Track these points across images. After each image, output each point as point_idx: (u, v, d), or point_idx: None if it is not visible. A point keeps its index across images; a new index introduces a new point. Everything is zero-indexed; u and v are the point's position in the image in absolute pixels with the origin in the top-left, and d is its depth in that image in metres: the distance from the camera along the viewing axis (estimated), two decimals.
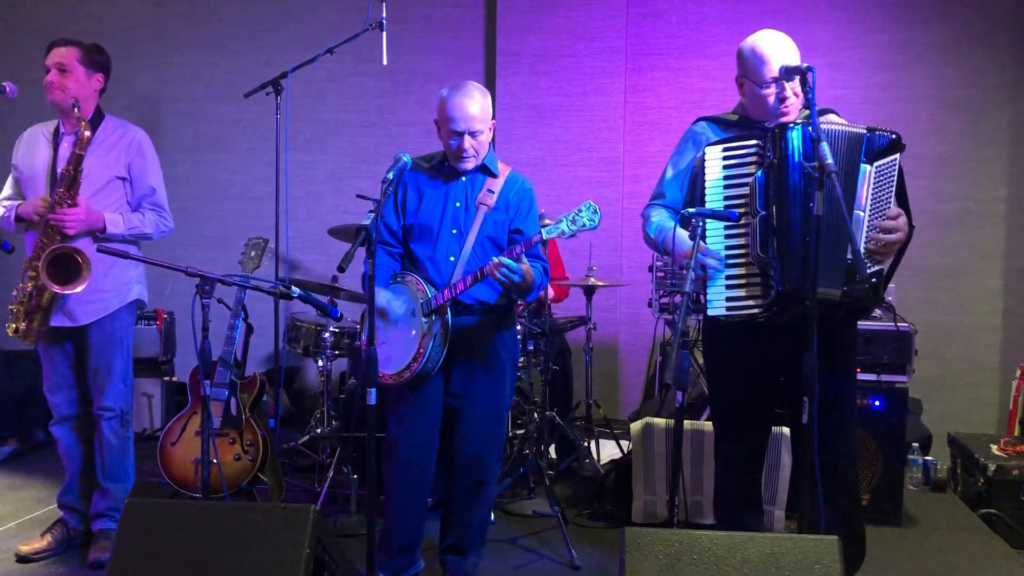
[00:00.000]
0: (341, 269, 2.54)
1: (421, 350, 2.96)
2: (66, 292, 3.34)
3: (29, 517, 4.04)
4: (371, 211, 2.69)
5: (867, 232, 2.71)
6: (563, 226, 2.85)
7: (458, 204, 3.11)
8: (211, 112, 6.09)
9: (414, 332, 3.01)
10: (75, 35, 3.66)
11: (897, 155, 2.76)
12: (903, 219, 2.76)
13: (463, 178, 3.13)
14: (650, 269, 4.46)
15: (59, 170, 3.44)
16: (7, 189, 3.65)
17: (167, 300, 5.64)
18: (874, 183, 2.71)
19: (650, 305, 4.48)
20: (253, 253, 4.12)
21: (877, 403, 4.02)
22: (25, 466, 4.80)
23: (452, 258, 3.07)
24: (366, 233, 2.62)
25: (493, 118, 3.11)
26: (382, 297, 3.03)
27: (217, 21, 6.09)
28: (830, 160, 2.49)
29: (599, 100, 5.71)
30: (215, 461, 3.74)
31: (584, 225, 2.84)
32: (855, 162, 2.71)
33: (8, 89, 3.18)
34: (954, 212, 5.39)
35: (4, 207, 3.55)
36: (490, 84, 5.84)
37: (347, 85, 6.01)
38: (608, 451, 4.83)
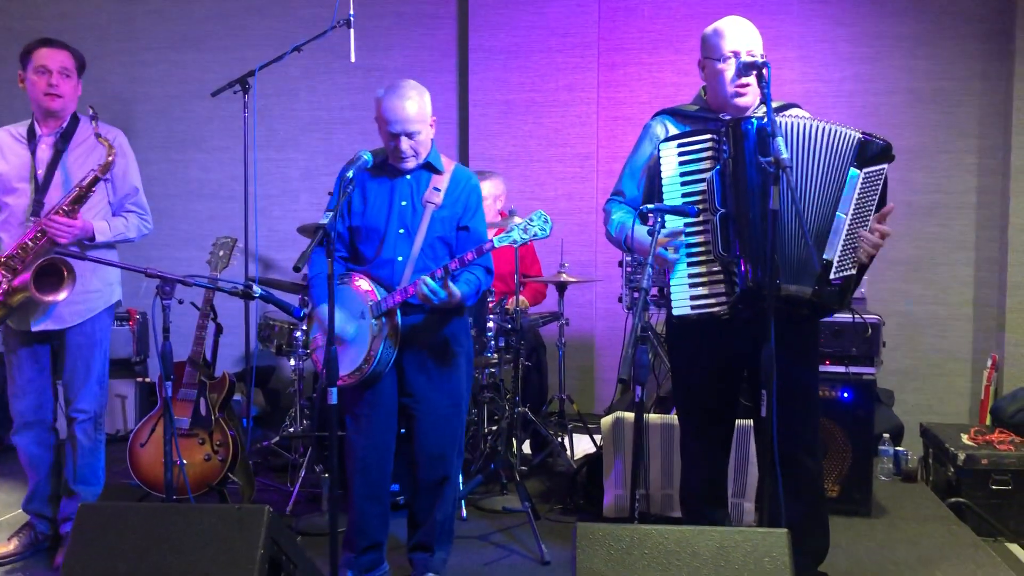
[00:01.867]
0: (297, 268, 2.53)
1: (372, 352, 2.96)
2: (47, 300, 3.33)
3: (1, 519, 4.01)
4: (329, 210, 2.69)
5: (847, 236, 2.71)
6: (515, 235, 2.88)
7: (404, 203, 3.08)
8: (183, 110, 6.06)
9: (364, 334, 3.00)
10: (46, 33, 3.62)
11: (886, 165, 2.77)
12: (888, 230, 2.77)
13: (408, 176, 3.11)
14: (620, 264, 4.47)
15: (40, 173, 3.42)
16: None
17: (141, 300, 5.61)
18: (860, 189, 2.71)
19: (620, 300, 4.49)
20: (221, 252, 4.11)
21: (846, 395, 4.03)
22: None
23: (400, 258, 3.05)
24: (324, 232, 2.61)
25: (433, 115, 3.09)
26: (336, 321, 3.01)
27: (189, 19, 6.06)
28: (785, 155, 2.50)
29: (572, 95, 5.72)
30: (179, 462, 3.73)
31: (536, 234, 2.88)
32: (845, 164, 2.71)
33: None
34: (926, 203, 5.42)
35: None
36: (463, 79, 5.85)
37: (320, 82, 5.99)
38: (583, 446, 4.84)
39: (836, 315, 4.05)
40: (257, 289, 2.89)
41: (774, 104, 2.91)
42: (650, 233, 2.67)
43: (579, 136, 5.72)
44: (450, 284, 2.90)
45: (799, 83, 5.46)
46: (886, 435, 4.67)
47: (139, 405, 5.29)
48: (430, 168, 3.13)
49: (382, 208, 3.08)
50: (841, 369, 4.10)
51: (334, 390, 2.66)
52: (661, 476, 3.90)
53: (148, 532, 2.15)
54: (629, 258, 4.39)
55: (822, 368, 4.03)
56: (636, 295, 4.44)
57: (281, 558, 2.23)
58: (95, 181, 3.37)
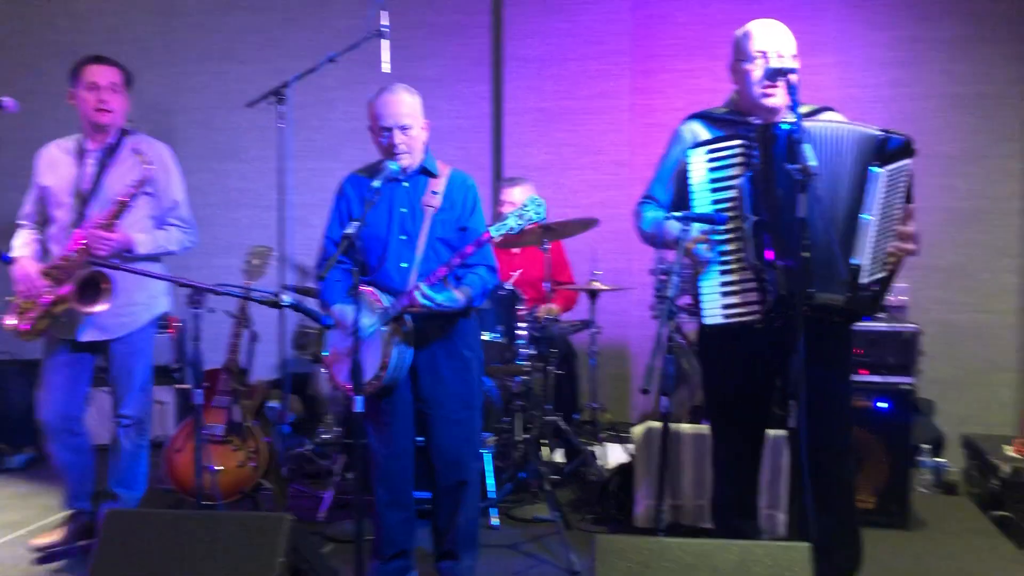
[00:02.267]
0: (321, 277, 2.56)
1: (386, 359, 2.98)
2: (87, 311, 3.43)
3: (40, 524, 4.08)
4: (354, 220, 2.71)
5: (873, 238, 2.66)
6: (510, 222, 2.90)
7: (403, 210, 3.11)
8: (224, 121, 6.14)
9: (376, 343, 3.02)
10: (92, 47, 3.73)
11: (909, 160, 2.70)
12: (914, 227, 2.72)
13: (405, 183, 3.14)
14: (652, 273, 4.43)
15: (85, 188, 3.53)
16: (27, 206, 3.71)
17: (181, 309, 5.68)
18: (885, 187, 2.65)
19: (651, 309, 4.46)
20: (256, 261, 4.18)
21: (883, 405, 3.97)
22: (39, 474, 4.86)
23: (405, 264, 3.07)
24: (349, 241, 2.64)
25: (426, 119, 3.14)
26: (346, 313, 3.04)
27: (228, 31, 6.16)
28: (813, 162, 2.47)
29: (606, 103, 5.71)
30: (210, 468, 3.80)
31: (531, 219, 2.89)
32: (865, 164, 2.65)
33: (7, 104, 3.23)
34: (968, 210, 5.31)
35: (25, 240, 3.64)
36: (497, 89, 5.87)
37: (356, 93, 6.00)
38: (618, 455, 4.81)
39: (873, 324, 4.02)
40: (286, 297, 2.90)
41: (807, 108, 2.90)
42: (676, 242, 2.67)
43: (613, 143, 5.71)
44: (451, 285, 2.94)
45: (836, 89, 5.38)
46: (925, 446, 4.57)
47: (178, 411, 5.36)
48: (426, 173, 3.16)
49: (382, 217, 3.10)
50: (878, 378, 4.02)
51: (360, 398, 2.68)
52: (693, 487, 3.86)
53: (172, 539, 2.18)
54: (662, 266, 4.36)
55: (858, 377, 3.97)
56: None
57: (303, 566, 2.25)
58: (131, 196, 3.47)
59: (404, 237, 3.09)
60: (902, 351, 4.01)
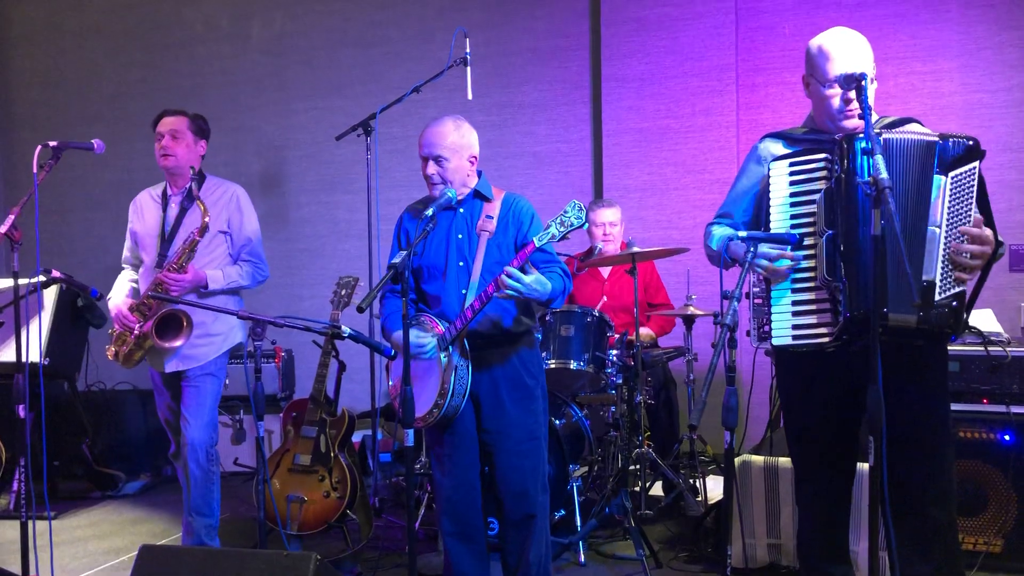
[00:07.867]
0: (360, 308, 2.52)
1: (445, 386, 2.91)
2: (166, 346, 3.59)
3: None
4: (403, 249, 2.67)
5: (944, 250, 2.44)
6: (553, 229, 2.79)
7: (460, 236, 3.07)
8: (331, 154, 6.28)
9: (435, 370, 2.96)
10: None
11: (976, 163, 2.48)
12: (989, 232, 2.47)
13: (460, 210, 3.10)
14: (748, 296, 4.20)
15: (167, 230, 3.72)
16: (125, 251, 3.97)
17: (294, 339, 5.81)
18: (950, 196, 2.44)
19: (748, 335, 4.22)
20: (343, 292, 4.19)
21: (1007, 437, 3.60)
22: (151, 500, 5.05)
23: (463, 291, 3.01)
24: (395, 272, 2.59)
25: (474, 154, 3.11)
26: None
27: (334, 67, 6.33)
28: (884, 175, 2.26)
29: (709, 120, 5.52)
30: (303, 498, 3.84)
31: (572, 224, 2.78)
32: (927, 174, 2.45)
33: (96, 145, 3.39)
34: None
35: (123, 280, 3.89)
36: (596, 111, 5.77)
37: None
38: (719, 489, 4.58)
39: (995, 349, 3.66)
40: (346, 329, 2.88)
41: (889, 120, 2.72)
42: (741, 264, 2.52)
43: (718, 161, 5.49)
44: (532, 269, 2.86)
45: (959, 95, 5.02)
46: None
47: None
48: (480, 196, 3.12)
49: (440, 245, 3.08)
50: (1001, 408, 3.66)
51: (410, 432, 2.62)
52: (794, 524, 3.60)
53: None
54: (757, 288, 4.13)
55: (978, 407, 3.64)
56: (768, 328, 4.16)
57: None
58: (195, 244, 3.62)
59: (462, 263, 3.06)
60: None
